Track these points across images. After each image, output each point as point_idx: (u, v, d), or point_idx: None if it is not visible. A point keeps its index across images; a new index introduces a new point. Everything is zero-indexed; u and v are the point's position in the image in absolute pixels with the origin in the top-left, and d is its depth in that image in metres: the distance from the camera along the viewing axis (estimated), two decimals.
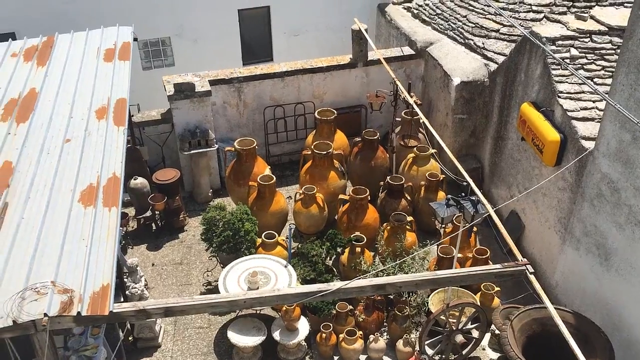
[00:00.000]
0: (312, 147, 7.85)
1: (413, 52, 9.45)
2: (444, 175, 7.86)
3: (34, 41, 7.34)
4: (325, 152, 7.72)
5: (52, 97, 6.24)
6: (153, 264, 7.78)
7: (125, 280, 6.46)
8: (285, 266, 6.62)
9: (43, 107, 6.09)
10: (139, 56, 10.37)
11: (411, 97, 7.75)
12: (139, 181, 7.95)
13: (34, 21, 9.15)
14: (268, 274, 6.52)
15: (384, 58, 8.73)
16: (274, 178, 7.57)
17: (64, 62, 6.89)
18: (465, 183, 5.43)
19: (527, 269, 4.55)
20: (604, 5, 7.74)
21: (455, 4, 9.69)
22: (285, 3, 10.94)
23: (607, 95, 5.18)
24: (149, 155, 8.73)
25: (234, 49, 10.95)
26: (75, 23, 8.51)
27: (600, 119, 5.96)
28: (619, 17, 6.73)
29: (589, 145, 5.97)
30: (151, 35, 10.26)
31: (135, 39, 7.58)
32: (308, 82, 9.21)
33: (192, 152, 8.41)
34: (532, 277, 4.43)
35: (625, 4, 7.62)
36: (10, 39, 7.61)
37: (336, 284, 4.61)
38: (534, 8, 8.40)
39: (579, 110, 6.23)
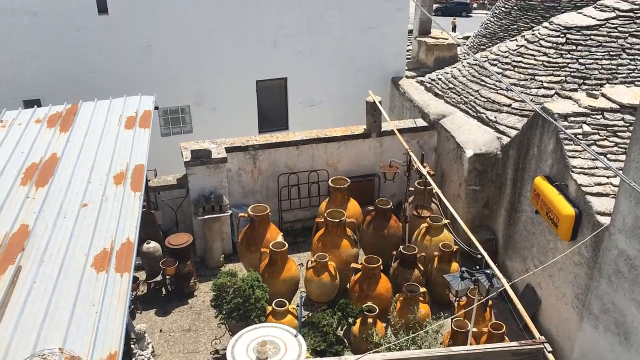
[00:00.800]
0: (325, 214, 7.87)
1: (426, 124, 9.62)
2: (457, 246, 7.79)
3: (58, 108, 7.60)
4: (338, 220, 7.73)
5: (73, 162, 6.39)
6: (161, 330, 7.66)
7: (133, 347, 6.35)
8: (295, 336, 6.48)
9: (63, 171, 6.22)
10: (159, 123, 10.65)
11: (424, 167, 7.83)
12: (152, 245, 7.97)
13: (59, 89, 9.52)
14: (277, 343, 6.37)
15: (397, 129, 8.89)
16: (286, 245, 7.55)
17: (86, 129, 7.10)
18: (479, 256, 5.38)
19: (545, 347, 4.42)
20: (615, 83, 7.90)
21: (468, 79, 9.94)
22: (302, 75, 11.29)
23: (621, 172, 5.20)
24: (162, 219, 8.79)
25: (250, 117, 11.24)
26: (99, 91, 8.84)
27: (615, 194, 5.94)
28: (630, 95, 6.84)
29: (605, 220, 5.92)
30: (172, 104, 10.58)
31: (156, 108, 7.82)
32: (322, 151, 9.36)
33: (205, 217, 8.46)
34: (551, 356, 4.30)
35: (636, 83, 7.77)
36: (35, 106, 7.89)
37: (348, 358, 4.50)
38: (545, 85, 8.59)
39: (593, 186, 6.23)
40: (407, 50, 12.65)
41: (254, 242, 7.86)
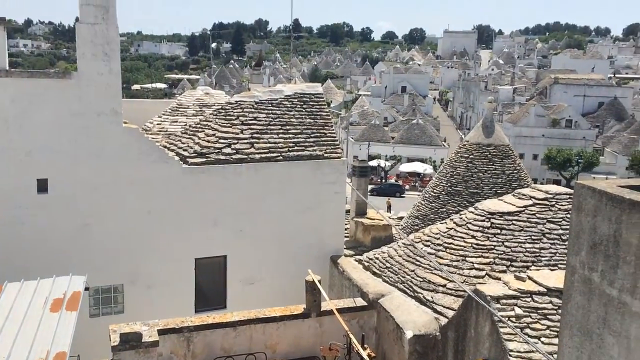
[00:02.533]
0: None
1: (365, 304, 9.62)
2: None
3: None
4: None
5: None
6: None
7: None
8: None
9: None
10: (89, 303, 10.15)
11: (364, 349, 7.65)
12: None
13: None
14: None
15: (337, 309, 8.82)
16: None
17: (7, 312, 6.65)
18: None
19: None
20: (540, 266, 8.36)
21: (404, 259, 10.27)
22: (242, 253, 11.35)
23: (554, 358, 5.26)
24: None
25: (187, 296, 10.93)
26: (30, 270, 8.46)
27: None
28: (554, 279, 7.22)
29: None
30: (104, 282, 10.22)
31: (86, 288, 7.52)
32: (261, 332, 9.05)
33: None
34: None
35: (559, 266, 8.26)
36: None
37: None
38: (476, 266, 8.98)
39: None
40: (345, 229, 13.11)
41: None
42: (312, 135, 12.06)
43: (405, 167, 60.10)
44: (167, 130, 13.69)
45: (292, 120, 12.17)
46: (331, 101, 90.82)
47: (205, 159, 10.99)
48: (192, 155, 11.04)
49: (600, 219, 4.86)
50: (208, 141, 11.30)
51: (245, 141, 11.45)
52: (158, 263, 10.64)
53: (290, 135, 11.92)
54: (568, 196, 9.79)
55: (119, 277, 10.42)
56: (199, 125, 12.10)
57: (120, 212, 10.29)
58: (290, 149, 11.73)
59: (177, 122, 14.06)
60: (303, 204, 11.81)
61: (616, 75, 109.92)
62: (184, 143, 11.72)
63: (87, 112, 9.88)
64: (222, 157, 11.12)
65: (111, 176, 10.18)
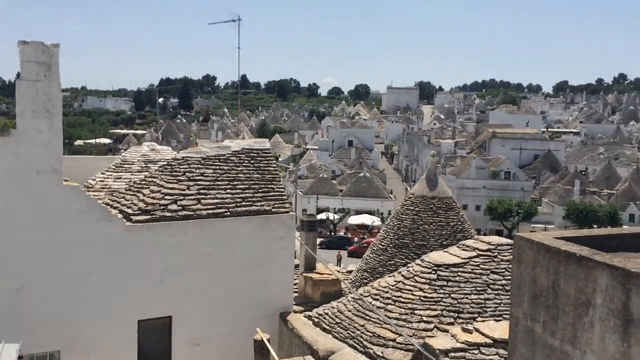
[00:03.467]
0: None
1: None
2: None
3: None
4: None
5: None
6: None
7: None
8: None
9: None
10: None
11: None
12: None
13: None
14: None
15: None
16: None
17: None
18: None
19: None
20: (486, 317, 8.50)
21: (353, 314, 10.21)
22: (188, 312, 10.98)
23: None
24: None
25: None
26: None
27: None
28: (500, 330, 7.35)
29: None
30: (39, 349, 9.61)
31: (20, 357, 7.05)
32: None
33: None
34: None
35: (504, 316, 8.42)
36: None
37: None
38: (425, 319, 9.04)
39: None
40: (295, 285, 12.96)
41: None
42: (260, 191, 12.05)
43: (354, 220, 60.62)
44: (110, 187, 13.36)
45: (239, 175, 12.15)
46: (279, 155, 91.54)
47: (150, 216, 10.75)
48: (137, 212, 10.78)
49: (539, 270, 5.04)
50: (153, 198, 11.09)
51: (192, 197, 11.31)
52: (98, 327, 10.13)
53: (238, 191, 11.88)
54: (509, 247, 10.10)
55: (56, 343, 9.84)
56: (144, 182, 11.89)
57: (59, 274, 9.83)
58: (237, 204, 11.66)
59: (121, 178, 13.77)
60: (251, 260, 11.65)
61: (549, 129, 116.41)
62: (127, 200, 11.45)
63: (25, 170, 9.56)
64: (168, 214, 10.91)
65: (50, 236, 9.76)
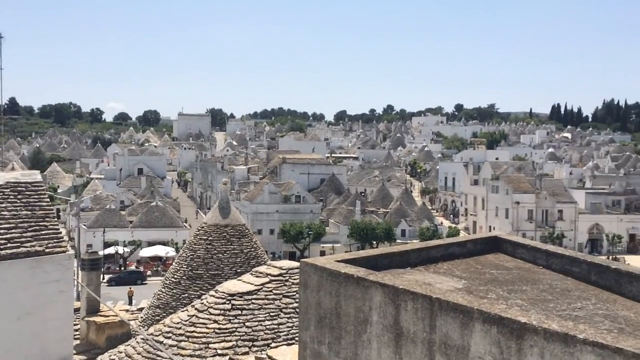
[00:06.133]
0: None
1: None
2: None
3: None
4: None
5: None
6: None
7: None
8: None
9: None
10: None
11: None
12: None
13: None
14: None
15: None
16: None
17: None
18: None
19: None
20: (279, 342, 8.61)
21: (143, 357, 9.52)
22: None
23: None
24: None
25: None
26: None
27: None
28: (291, 354, 7.48)
29: None
30: None
31: None
32: None
33: None
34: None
35: (296, 339, 8.62)
36: None
37: None
38: (219, 352, 8.82)
39: None
40: (76, 331, 11.67)
41: None
42: (29, 229, 10.65)
43: (146, 252, 57.63)
44: None
45: (3, 213, 10.60)
46: (58, 186, 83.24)
47: None
48: None
49: (323, 293, 5.24)
50: None
51: None
52: None
53: (3, 231, 10.34)
54: (299, 270, 10.48)
55: None
56: None
57: None
58: (2, 246, 10.13)
59: None
60: (21, 308, 10.17)
61: (332, 155, 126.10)
62: None
63: None
64: None
65: None
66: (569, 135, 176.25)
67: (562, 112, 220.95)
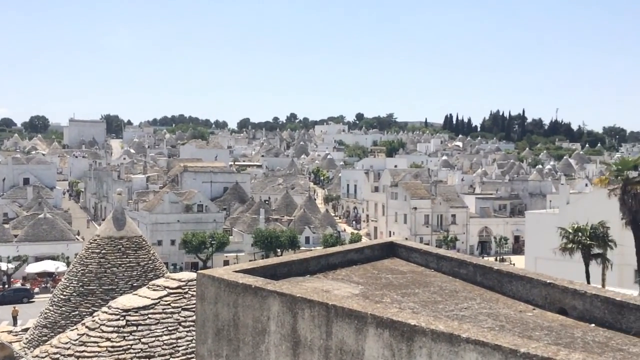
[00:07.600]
0: None
1: None
2: None
3: None
4: None
5: None
6: None
7: None
8: None
9: None
10: None
11: None
12: None
13: None
14: None
15: None
16: None
17: None
18: None
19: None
20: (178, 357, 8.33)
21: None
22: None
23: None
24: None
25: None
26: None
27: None
28: None
29: None
30: None
31: None
32: None
33: None
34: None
35: None
36: None
37: None
38: None
39: None
40: None
41: None
42: None
43: (33, 268, 53.57)
44: None
45: None
46: None
47: None
48: None
49: (220, 305, 5.15)
50: None
51: None
52: None
53: None
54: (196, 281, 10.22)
55: None
56: None
57: None
58: None
59: None
60: None
61: (236, 163, 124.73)
62: None
63: None
64: None
65: None
66: (460, 144, 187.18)
67: (454, 122, 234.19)
